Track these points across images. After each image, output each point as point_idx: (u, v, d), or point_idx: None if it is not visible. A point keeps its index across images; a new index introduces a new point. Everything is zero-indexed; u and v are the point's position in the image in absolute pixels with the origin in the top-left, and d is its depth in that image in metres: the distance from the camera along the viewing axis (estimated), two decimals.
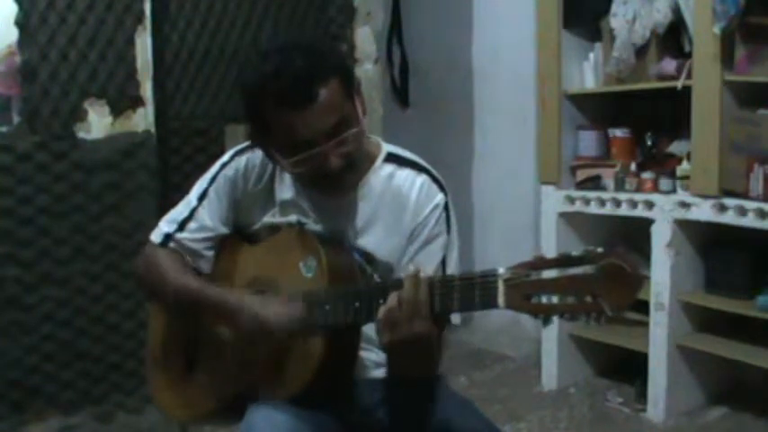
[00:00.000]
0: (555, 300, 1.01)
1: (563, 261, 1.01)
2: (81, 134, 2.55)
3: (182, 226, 1.43)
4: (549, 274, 1.01)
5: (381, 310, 1.15)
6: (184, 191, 1.50)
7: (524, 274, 1.03)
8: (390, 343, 1.15)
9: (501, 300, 1.05)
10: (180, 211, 1.45)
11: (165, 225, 1.45)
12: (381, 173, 1.39)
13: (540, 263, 1.02)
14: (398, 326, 1.13)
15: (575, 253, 1.00)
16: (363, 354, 1.38)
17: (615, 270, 0.97)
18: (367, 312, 1.20)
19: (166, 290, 1.41)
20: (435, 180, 1.39)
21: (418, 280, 1.12)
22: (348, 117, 1.26)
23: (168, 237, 1.44)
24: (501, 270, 1.05)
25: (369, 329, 1.34)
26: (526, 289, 1.03)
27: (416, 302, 1.12)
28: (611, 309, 0.98)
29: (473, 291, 1.08)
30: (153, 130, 2.65)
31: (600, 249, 1.00)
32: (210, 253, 1.45)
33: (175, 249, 1.44)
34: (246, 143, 1.42)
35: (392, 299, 1.14)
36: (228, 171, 1.42)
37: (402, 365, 1.26)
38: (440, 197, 1.37)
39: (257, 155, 1.40)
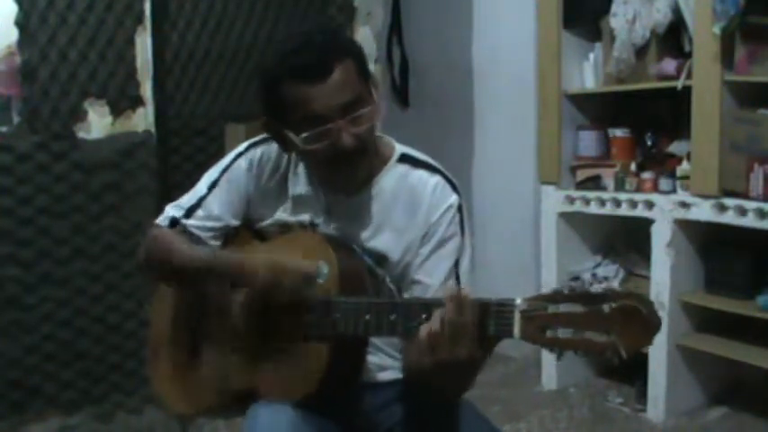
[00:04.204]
0: (570, 335, 1.00)
1: (581, 297, 1.00)
2: (81, 134, 2.55)
3: (189, 213, 1.42)
4: (566, 308, 1.00)
5: (423, 330, 1.10)
6: (184, 191, 1.48)
7: (541, 307, 1.02)
8: (431, 365, 1.09)
9: (516, 331, 1.03)
10: (188, 198, 1.44)
11: (172, 210, 1.44)
12: (395, 173, 1.38)
13: (558, 296, 1.02)
14: (441, 348, 1.07)
15: (594, 290, 1.00)
16: (367, 357, 1.37)
17: (633, 311, 0.97)
18: (404, 328, 1.15)
19: (175, 261, 1.37)
20: (449, 181, 1.38)
21: (462, 301, 1.07)
22: (362, 97, 1.26)
23: (174, 221, 1.42)
24: (518, 300, 1.04)
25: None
26: (542, 321, 1.01)
27: (460, 324, 1.06)
28: (625, 350, 0.97)
29: (488, 318, 1.06)
30: (153, 130, 2.65)
31: (620, 289, 1.00)
32: (216, 243, 1.44)
33: (181, 230, 1.42)
34: (262, 136, 1.41)
35: (436, 319, 1.08)
36: (243, 162, 1.41)
37: (436, 386, 1.19)
38: (453, 198, 1.36)
39: (272, 148, 1.40)
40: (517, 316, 1.03)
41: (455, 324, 1.07)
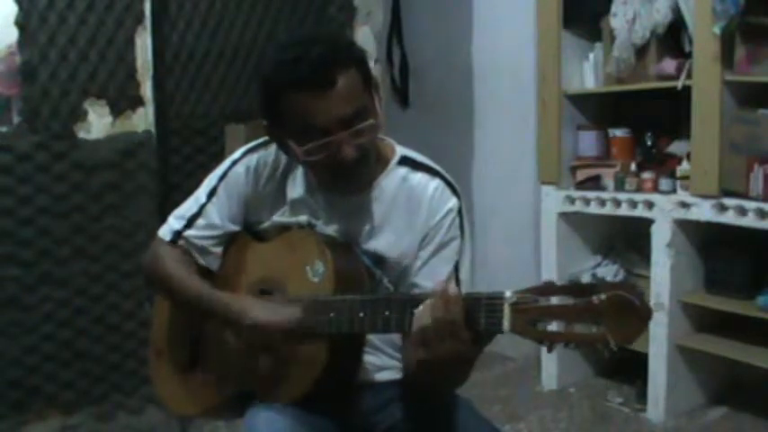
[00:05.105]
0: (561, 327, 1.00)
1: (572, 289, 1.00)
2: (81, 134, 2.55)
3: (190, 222, 1.43)
4: (556, 300, 1.00)
5: (414, 324, 1.10)
6: (184, 191, 1.49)
7: (532, 300, 1.01)
8: (424, 361, 1.10)
9: (506, 324, 1.03)
10: (189, 207, 1.45)
11: (174, 221, 1.45)
12: (395, 175, 1.38)
13: (549, 289, 1.01)
14: (432, 344, 1.08)
15: (584, 281, 1.00)
16: (365, 357, 1.37)
17: (623, 302, 0.96)
18: (397, 323, 1.15)
19: (172, 291, 1.42)
20: (449, 185, 1.38)
21: (449, 298, 1.07)
22: (365, 108, 1.25)
23: (177, 234, 1.43)
24: (508, 293, 1.03)
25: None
26: (532, 314, 1.01)
27: (447, 321, 1.06)
28: (616, 341, 0.97)
29: (479, 312, 1.06)
30: (153, 130, 2.65)
31: (610, 280, 0.99)
32: (219, 250, 1.45)
33: (183, 247, 1.43)
34: (259, 141, 1.42)
35: (425, 314, 1.09)
36: (239, 168, 1.41)
37: (429, 382, 1.20)
38: (453, 201, 1.36)
39: (269, 153, 1.40)
40: (507, 309, 1.03)
41: (442, 321, 1.07)
